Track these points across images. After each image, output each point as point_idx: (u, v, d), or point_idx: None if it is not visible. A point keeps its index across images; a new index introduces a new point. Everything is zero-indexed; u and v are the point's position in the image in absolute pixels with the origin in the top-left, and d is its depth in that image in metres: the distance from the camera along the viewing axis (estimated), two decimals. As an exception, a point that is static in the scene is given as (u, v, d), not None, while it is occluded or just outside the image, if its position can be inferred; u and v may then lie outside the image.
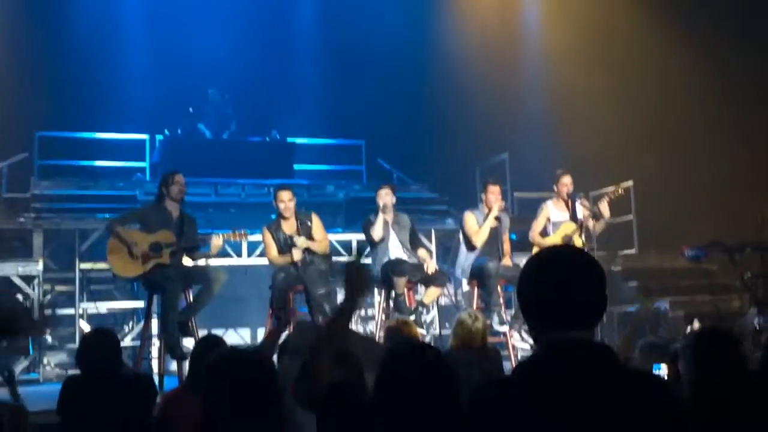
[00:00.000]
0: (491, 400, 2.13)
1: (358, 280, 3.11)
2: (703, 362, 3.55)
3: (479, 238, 8.63)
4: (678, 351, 3.81)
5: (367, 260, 9.19)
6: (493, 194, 8.68)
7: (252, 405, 2.89)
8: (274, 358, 4.68)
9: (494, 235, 8.73)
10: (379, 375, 2.81)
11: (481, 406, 2.14)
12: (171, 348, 7.32)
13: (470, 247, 8.70)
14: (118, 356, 4.84)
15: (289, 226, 8.10)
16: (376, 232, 8.42)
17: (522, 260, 9.53)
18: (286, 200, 8.06)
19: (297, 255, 7.91)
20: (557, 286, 2.14)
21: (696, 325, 7.90)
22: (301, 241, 7.94)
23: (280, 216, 8.12)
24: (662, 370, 4.79)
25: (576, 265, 2.18)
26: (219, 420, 2.89)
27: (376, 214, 8.46)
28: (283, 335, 7.23)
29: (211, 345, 5.13)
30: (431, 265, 8.48)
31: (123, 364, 5.00)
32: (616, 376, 2.10)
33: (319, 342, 3.01)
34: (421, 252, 8.61)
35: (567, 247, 2.40)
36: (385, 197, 8.50)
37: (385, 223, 8.48)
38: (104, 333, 4.98)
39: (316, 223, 8.15)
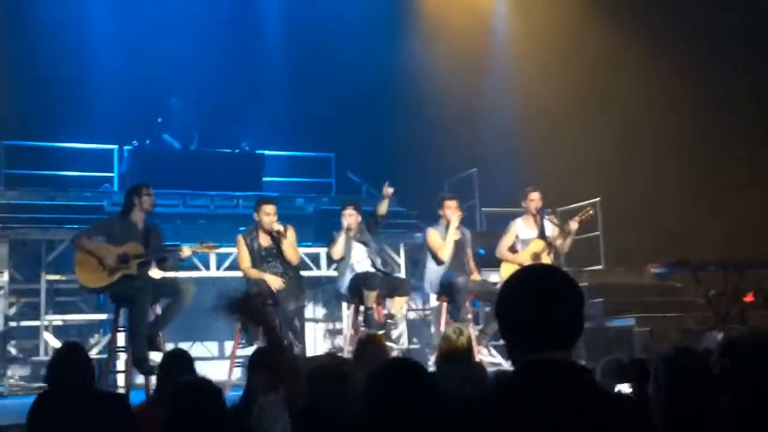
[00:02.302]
0: (471, 422, 2.14)
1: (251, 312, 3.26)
2: (675, 386, 3.45)
3: (445, 252, 8.67)
4: (645, 371, 3.71)
5: (333, 273, 9.21)
6: (450, 208, 8.75)
7: None
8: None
9: (459, 248, 8.78)
10: (367, 393, 2.83)
11: (461, 427, 2.15)
12: (139, 362, 7.27)
13: (438, 261, 8.73)
14: (90, 373, 4.78)
15: (265, 239, 8.09)
16: (335, 252, 8.49)
17: (490, 276, 9.61)
18: (272, 213, 8.05)
19: (275, 284, 7.88)
20: (536, 308, 2.16)
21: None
22: (277, 283, 7.91)
23: (259, 227, 8.09)
24: (624, 389, 4.75)
25: (555, 287, 2.20)
26: None
27: (339, 233, 8.50)
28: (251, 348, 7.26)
29: (178, 359, 5.14)
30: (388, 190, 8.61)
31: (94, 382, 4.92)
32: (593, 399, 2.13)
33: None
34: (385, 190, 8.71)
35: (545, 267, 2.40)
36: (349, 218, 8.53)
37: (348, 240, 8.50)
38: (75, 348, 4.85)
39: (290, 238, 8.13)
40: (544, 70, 14.23)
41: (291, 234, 8.14)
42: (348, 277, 8.47)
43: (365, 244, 8.58)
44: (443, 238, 8.73)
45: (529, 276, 2.28)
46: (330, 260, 8.83)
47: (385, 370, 2.86)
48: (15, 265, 9.84)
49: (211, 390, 3.52)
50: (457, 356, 5.72)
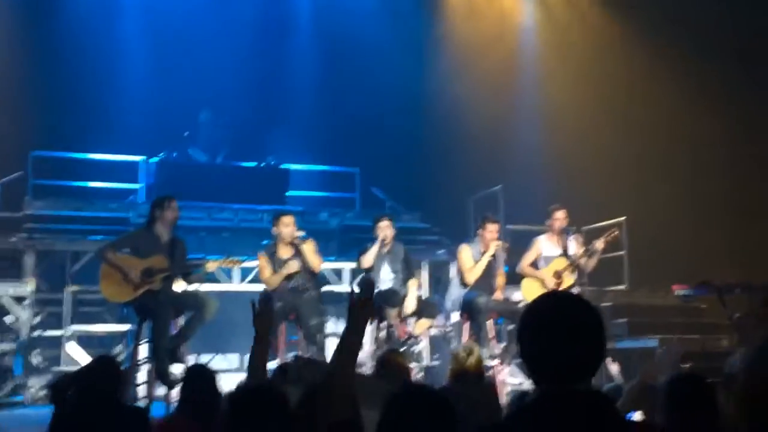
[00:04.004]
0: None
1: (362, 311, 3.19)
2: (675, 411, 3.46)
3: (472, 276, 8.57)
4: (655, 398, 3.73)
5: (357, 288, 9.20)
6: (491, 233, 8.63)
7: None
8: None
9: (488, 269, 8.71)
10: (383, 418, 2.81)
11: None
12: (160, 375, 7.30)
13: (463, 283, 8.67)
14: (119, 388, 4.80)
15: (285, 251, 8.14)
16: (366, 259, 8.45)
17: (513, 293, 9.56)
18: (291, 224, 8.11)
19: (294, 266, 7.93)
20: (555, 340, 2.14)
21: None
22: (294, 267, 7.97)
23: (279, 240, 8.14)
24: (637, 416, 4.72)
25: (575, 317, 2.18)
26: None
27: (373, 243, 8.47)
28: (274, 362, 7.28)
29: (200, 374, 5.15)
30: (410, 303, 8.40)
31: (123, 395, 4.94)
32: (612, 429, 2.11)
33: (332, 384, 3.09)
34: (411, 283, 8.57)
35: (566, 295, 2.37)
36: (386, 229, 8.51)
37: (380, 253, 8.48)
38: (110, 362, 4.90)
39: (312, 247, 8.18)
40: (572, 88, 14.22)
41: (312, 244, 8.20)
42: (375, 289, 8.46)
43: (395, 272, 8.55)
44: (475, 259, 8.64)
45: (549, 305, 2.26)
46: (358, 268, 8.79)
47: (405, 398, 2.84)
48: (40, 274, 9.92)
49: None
50: (467, 376, 5.72)
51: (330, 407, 3.12)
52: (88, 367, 4.93)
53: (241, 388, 3.45)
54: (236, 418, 3.10)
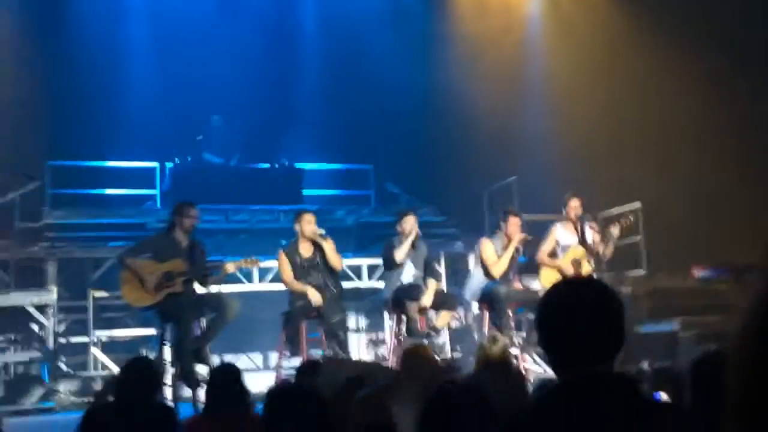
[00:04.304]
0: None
1: None
2: (700, 392, 3.42)
3: (498, 269, 8.64)
4: (675, 379, 3.74)
5: (380, 283, 9.25)
6: (514, 225, 8.71)
7: None
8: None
9: (509, 261, 8.76)
10: (424, 415, 2.84)
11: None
12: (185, 376, 7.38)
13: (488, 276, 8.71)
14: (156, 385, 4.94)
15: (306, 249, 8.19)
16: (399, 254, 8.45)
17: (531, 282, 9.60)
18: (313, 222, 8.17)
19: (315, 299, 7.95)
20: (576, 325, 2.15)
21: None
22: (316, 298, 7.99)
23: (299, 238, 8.20)
24: (662, 397, 4.75)
25: (593, 300, 2.19)
26: None
27: (400, 240, 8.51)
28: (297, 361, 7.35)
29: (228, 374, 5.22)
30: (427, 298, 8.45)
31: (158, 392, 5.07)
32: (637, 410, 2.13)
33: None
34: (430, 282, 8.62)
35: (583, 279, 2.41)
36: (413, 224, 8.55)
37: (410, 250, 8.54)
38: (144, 362, 5.07)
39: (332, 245, 8.22)
40: (583, 77, 14.18)
41: (331, 243, 8.25)
42: (395, 286, 8.52)
43: (418, 269, 8.59)
44: (498, 253, 8.69)
45: (566, 290, 2.27)
46: (388, 265, 8.80)
47: (442, 397, 2.87)
48: (62, 282, 10.04)
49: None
50: (493, 365, 5.74)
51: (364, 410, 3.19)
52: (124, 370, 5.02)
53: (277, 388, 3.52)
54: (274, 418, 3.16)
